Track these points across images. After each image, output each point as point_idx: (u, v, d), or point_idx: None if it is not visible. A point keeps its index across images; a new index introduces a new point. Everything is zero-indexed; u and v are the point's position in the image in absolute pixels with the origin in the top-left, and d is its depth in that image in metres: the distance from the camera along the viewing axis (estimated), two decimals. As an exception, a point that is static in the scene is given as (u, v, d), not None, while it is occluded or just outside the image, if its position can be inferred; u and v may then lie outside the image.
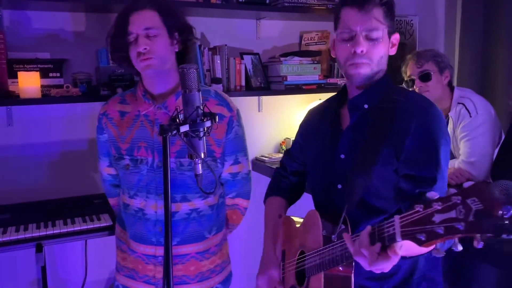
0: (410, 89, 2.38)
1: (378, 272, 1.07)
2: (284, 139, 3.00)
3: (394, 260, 1.03)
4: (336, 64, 2.92)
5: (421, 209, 0.90)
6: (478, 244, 0.80)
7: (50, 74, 2.28)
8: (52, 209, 2.21)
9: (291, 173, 1.67)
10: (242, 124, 1.76)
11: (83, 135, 2.49)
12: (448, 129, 1.98)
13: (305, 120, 1.65)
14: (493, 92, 3.04)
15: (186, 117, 1.18)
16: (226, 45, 2.63)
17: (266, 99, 2.95)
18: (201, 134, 1.18)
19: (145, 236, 1.69)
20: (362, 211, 1.33)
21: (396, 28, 1.46)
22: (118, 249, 1.84)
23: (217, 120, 1.21)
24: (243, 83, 2.71)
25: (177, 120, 1.17)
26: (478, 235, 0.80)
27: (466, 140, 2.35)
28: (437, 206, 0.86)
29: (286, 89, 2.73)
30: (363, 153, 1.34)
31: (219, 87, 2.56)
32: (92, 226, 2.09)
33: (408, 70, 2.51)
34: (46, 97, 2.22)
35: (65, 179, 2.47)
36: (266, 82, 2.80)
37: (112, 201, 1.95)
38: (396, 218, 0.98)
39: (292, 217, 1.59)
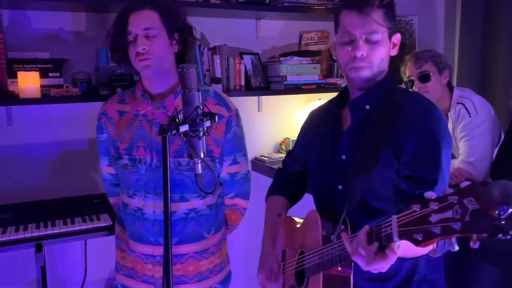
0: (410, 90, 2.38)
1: (376, 272, 1.07)
2: (284, 139, 3.00)
3: (391, 260, 1.03)
4: (335, 64, 2.92)
5: (418, 209, 0.90)
6: (474, 244, 0.80)
7: (50, 74, 2.28)
8: (51, 209, 2.21)
9: (292, 174, 1.67)
10: (241, 124, 1.76)
11: (83, 135, 2.49)
12: (448, 129, 1.97)
13: (307, 121, 1.65)
14: (493, 91, 3.04)
15: (186, 117, 1.18)
16: (225, 45, 2.63)
17: (266, 99, 2.94)
18: (201, 134, 1.18)
19: (144, 235, 1.69)
20: (362, 211, 1.33)
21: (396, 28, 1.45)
22: (117, 248, 1.84)
23: (216, 120, 1.21)
24: (243, 83, 2.71)
25: (177, 120, 1.17)
26: (474, 235, 0.80)
27: (465, 140, 2.35)
28: (434, 206, 0.86)
29: (286, 89, 2.73)
30: (364, 154, 1.34)
31: (218, 87, 2.56)
32: (91, 226, 2.09)
33: (407, 71, 2.51)
34: (45, 97, 2.22)
35: (65, 179, 2.47)
36: (266, 82, 2.80)
37: (112, 200, 1.96)
38: (394, 217, 0.98)
39: (293, 217, 1.60)
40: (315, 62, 2.81)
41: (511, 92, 2.79)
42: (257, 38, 2.89)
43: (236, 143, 1.73)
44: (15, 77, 2.14)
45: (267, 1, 2.66)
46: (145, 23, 1.58)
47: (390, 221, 0.99)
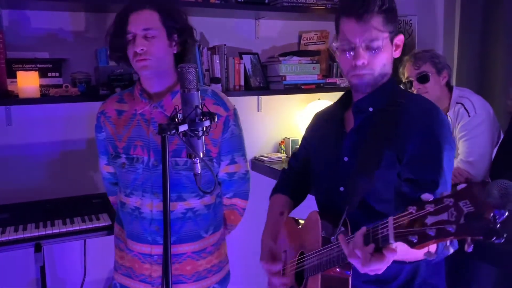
0: (409, 91, 2.38)
1: (372, 274, 1.06)
2: (283, 139, 2.99)
3: (388, 261, 1.02)
4: (335, 63, 2.92)
5: (414, 211, 0.89)
6: (469, 248, 0.80)
7: (49, 74, 2.28)
8: (51, 209, 2.22)
9: (297, 173, 1.67)
10: (239, 124, 1.75)
11: (82, 135, 2.49)
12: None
13: (311, 123, 1.66)
14: (492, 91, 3.04)
15: (185, 117, 1.18)
16: (225, 44, 2.63)
17: (265, 99, 2.94)
18: (200, 133, 1.18)
19: (141, 235, 1.69)
20: (363, 213, 1.32)
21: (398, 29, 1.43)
22: (116, 247, 1.84)
23: (216, 119, 1.21)
24: (242, 83, 2.71)
25: (176, 120, 1.17)
26: (468, 238, 0.79)
27: (464, 140, 2.35)
28: (429, 208, 0.86)
29: (285, 89, 2.73)
30: (366, 156, 1.33)
31: (218, 87, 2.56)
32: (91, 226, 2.10)
33: (406, 72, 2.50)
34: (45, 97, 2.23)
35: (64, 179, 2.47)
36: (265, 81, 2.80)
37: (112, 199, 1.97)
38: (390, 219, 0.97)
39: (294, 218, 1.60)
40: (314, 62, 2.81)
41: (510, 92, 2.80)
42: (256, 38, 2.89)
43: (234, 143, 1.72)
44: (15, 77, 2.15)
45: (266, 1, 2.66)
46: (144, 23, 1.58)
47: (387, 222, 0.99)
